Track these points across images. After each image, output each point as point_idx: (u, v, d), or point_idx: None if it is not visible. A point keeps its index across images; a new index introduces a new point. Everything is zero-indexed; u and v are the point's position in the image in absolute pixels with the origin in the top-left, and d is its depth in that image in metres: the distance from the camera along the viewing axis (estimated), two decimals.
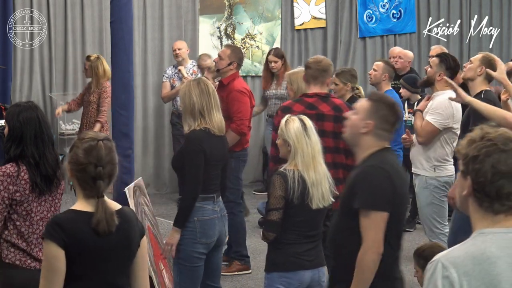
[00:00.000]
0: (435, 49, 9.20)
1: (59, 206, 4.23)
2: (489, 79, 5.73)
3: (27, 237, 4.07)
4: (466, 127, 5.57)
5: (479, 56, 5.75)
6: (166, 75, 9.76)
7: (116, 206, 3.27)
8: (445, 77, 5.57)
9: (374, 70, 7.58)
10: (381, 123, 3.77)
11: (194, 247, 4.94)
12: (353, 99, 7.05)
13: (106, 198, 3.21)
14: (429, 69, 6.21)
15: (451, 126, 5.99)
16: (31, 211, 4.07)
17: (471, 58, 5.83)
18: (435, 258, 2.28)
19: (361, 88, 7.34)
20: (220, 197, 5.11)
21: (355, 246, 3.65)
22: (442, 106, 5.97)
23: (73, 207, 3.22)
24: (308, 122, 4.53)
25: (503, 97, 5.55)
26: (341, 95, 7.08)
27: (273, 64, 9.05)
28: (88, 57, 9.14)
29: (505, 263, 2.23)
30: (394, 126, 3.81)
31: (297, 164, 4.44)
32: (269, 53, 9.27)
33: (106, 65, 8.89)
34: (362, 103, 3.88)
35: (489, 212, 2.30)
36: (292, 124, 4.51)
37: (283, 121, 4.58)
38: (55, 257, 3.09)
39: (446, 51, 9.21)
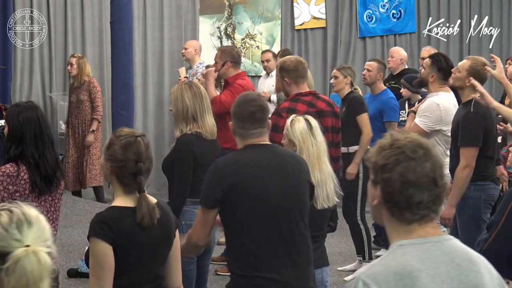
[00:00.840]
0: (428, 50, 9.18)
1: (59, 206, 4.23)
2: (481, 81, 5.61)
3: None
4: (455, 135, 5.49)
5: (466, 64, 5.48)
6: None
7: (153, 199, 3.34)
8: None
9: (368, 70, 7.56)
10: (236, 122, 3.77)
11: None
12: (351, 95, 7.05)
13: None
14: (422, 70, 6.18)
15: (440, 129, 5.93)
16: None
17: (459, 65, 5.56)
18: (354, 275, 2.21)
19: (359, 88, 7.34)
20: None
21: (228, 238, 3.74)
22: (430, 109, 5.91)
23: (114, 204, 3.30)
24: (314, 122, 4.52)
25: (506, 102, 5.51)
26: (340, 89, 7.12)
27: None
28: (73, 55, 9.22)
29: (427, 275, 2.15)
30: (248, 121, 3.72)
31: None
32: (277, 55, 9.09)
33: (89, 65, 9.09)
34: None
35: (402, 221, 2.23)
36: (298, 124, 4.50)
37: (288, 121, 4.56)
38: (105, 254, 3.16)
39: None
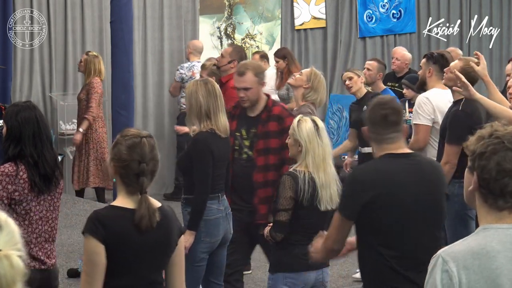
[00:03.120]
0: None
1: (58, 206, 4.24)
2: (472, 82, 5.59)
3: (27, 236, 4.07)
4: (444, 132, 5.52)
5: (457, 66, 5.46)
6: None
7: (157, 203, 3.32)
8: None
9: (368, 69, 7.57)
10: (370, 127, 3.68)
11: (197, 247, 4.97)
12: (368, 95, 7.01)
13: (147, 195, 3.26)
14: (420, 71, 6.22)
15: (438, 121, 5.89)
16: (30, 211, 4.07)
17: (451, 65, 5.56)
18: (437, 253, 2.33)
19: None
20: (225, 195, 5.14)
21: (361, 251, 3.64)
22: (418, 103, 5.95)
23: (114, 203, 3.29)
24: (320, 123, 4.53)
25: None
26: (358, 89, 7.00)
27: (275, 64, 9.17)
28: (87, 52, 9.17)
29: (504, 257, 2.27)
30: (381, 125, 3.61)
31: (308, 165, 4.44)
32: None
33: (102, 66, 8.92)
34: None
35: (493, 208, 2.34)
36: (305, 125, 4.49)
37: (295, 121, 4.55)
38: (96, 252, 3.14)
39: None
